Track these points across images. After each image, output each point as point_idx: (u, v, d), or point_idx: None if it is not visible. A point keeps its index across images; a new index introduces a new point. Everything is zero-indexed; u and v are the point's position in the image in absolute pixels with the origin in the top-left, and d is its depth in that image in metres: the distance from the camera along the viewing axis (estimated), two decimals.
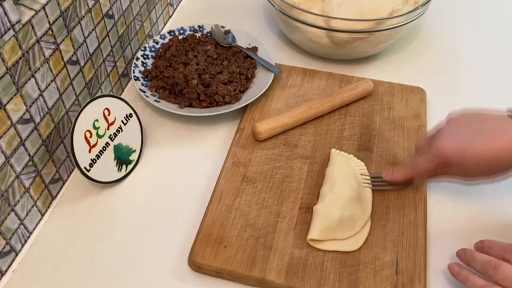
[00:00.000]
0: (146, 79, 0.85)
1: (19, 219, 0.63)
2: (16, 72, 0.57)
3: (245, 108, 0.81)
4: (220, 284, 0.62)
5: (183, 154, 0.77)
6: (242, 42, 0.92)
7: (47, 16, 0.60)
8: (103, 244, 0.66)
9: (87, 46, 0.71)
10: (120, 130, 0.73)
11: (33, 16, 0.58)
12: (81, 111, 0.66)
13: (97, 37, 0.74)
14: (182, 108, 0.79)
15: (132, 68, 0.84)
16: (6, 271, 0.62)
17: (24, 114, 0.60)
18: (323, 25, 0.85)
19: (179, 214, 0.69)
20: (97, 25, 0.73)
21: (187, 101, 0.80)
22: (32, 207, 0.65)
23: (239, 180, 0.71)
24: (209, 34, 0.94)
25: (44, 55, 0.62)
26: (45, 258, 0.64)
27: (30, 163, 0.63)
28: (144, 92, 0.81)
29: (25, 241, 0.65)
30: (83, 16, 0.69)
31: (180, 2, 1.08)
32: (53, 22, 0.62)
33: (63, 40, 0.65)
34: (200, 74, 0.83)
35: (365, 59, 0.93)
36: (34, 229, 0.67)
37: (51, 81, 0.64)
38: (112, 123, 0.71)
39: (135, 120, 0.75)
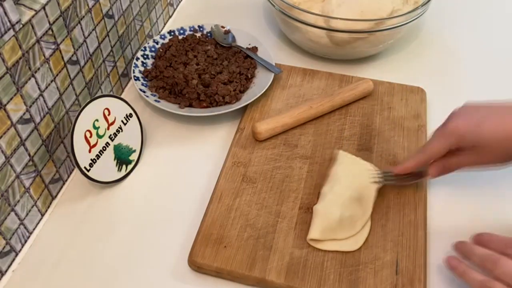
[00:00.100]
0: (146, 79, 0.85)
1: (19, 219, 0.63)
2: (16, 72, 0.57)
3: (245, 108, 0.81)
4: (220, 284, 0.62)
5: (183, 154, 0.77)
6: (242, 42, 0.92)
7: (47, 16, 0.60)
8: (103, 244, 0.66)
9: (87, 46, 0.71)
10: (120, 130, 0.73)
11: (33, 16, 0.58)
12: (81, 111, 0.66)
13: (97, 37, 0.74)
14: (182, 108, 0.79)
15: (132, 68, 0.84)
16: (6, 271, 0.62)
17: (24, 114, 0.60)
18: (323, 25, 0.85)
19: (179, 214, 0.69)
20: (97, 25, 0.73)
21: (187, 101, 0.80)
22: (32, 207, 0.65)
23: (239, 180, 0.71)
24: (209, 34, 0.94)
25: (44, 55, 0.62)
26: (45, 258, 0.64)
27: (30, 163, 0.63)
28: (144, 92, 0.81)
29: (25, 241, 0.65)
30: (83, 16, 0.69)
31: (180, 2, 1.08)
32: (53, 22, 0.62)
33: (63, 40, 0.65)
34: (200, 74, 0.83)
35: (365, 59, 0.93)
36: (34, 229, 0.67)
37: (51, 81, 0.64)
38: (112, 123, 0.71)
39: (135, 120, 0.75)
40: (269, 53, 0.88)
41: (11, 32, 0.55)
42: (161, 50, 0.89)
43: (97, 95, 0.76)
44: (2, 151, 0.57)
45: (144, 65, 0.87)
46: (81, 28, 0.69)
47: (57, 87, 0.66)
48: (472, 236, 0.59)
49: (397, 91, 0.84)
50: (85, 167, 0.67)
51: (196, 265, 0.62)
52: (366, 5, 0.86)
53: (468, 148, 0.61)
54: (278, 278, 0.60)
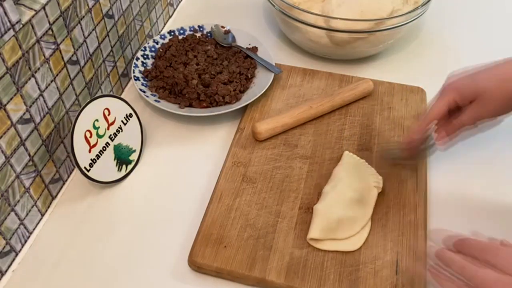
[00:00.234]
0: (146, 79, 0.85)
1: (19, 219, 0.63)
2: (16, 72, 0.57)
3: (245, 108, 0.81)
4: (220, 284, 0.62)
5: (183, 154, 0.77)
6: (242, 42, 0.92)
7: (47, 16, 0.60)
8: (103, 244, 0.66)
9: (87, 46, 0.71)
10: (120, 130, 0.73)
11: (33, 16, 0.58)
12: (81, 111, 0.66)
13: (97, 37, 0.74)
14: (182, 108, 0.79)
15: (132, 68, 0.84)
16: (6, 271, 0.62)
17: (24, 114, 0.60)
18: (323, 25, 0.85)
19: (179, 214, 0.69)
20: (97, 25, 0.73)
21: (187, 101, 0.80)
22: (32, 207, 0.65)
23: (239, 180, 0.71)
24: (209, 34, 0.94)
25: (44, 55, 0.62)
26: (45, 258, 0.64)
27: (30, 163, 0.63)
28: (144, 92, 0.81)
29: (25, 241, 0.65)
30: (83, 16, 0.69)
31: (180, 2, 1.08)
32: (53, 22, 0.62)
33: (63, 40, 0.65)
34: (200, 74, 0.83)
35: (365, 59, 0.93)
36: (34, 229, 0.67)
37: (51, 81, 0.64)
38: (112, 123, 0.71)
39: (135, 120, 0.75)
40: (269, 53, 0.88)
41: (11, 32, 0.55)
42: (161, 50, 0.89)
43: (97, 95, 0.76)
44: (2, 151, 0.57)
45: (144, 65, 0.87)
46: (81, 28, 0.69)
47: (57, 87, 0.66)
48: (454, 242, 0.55)
49: (397, 91, 0.84)
50: (85, 167, 0.67)
51: (196, 265, 0.62)
52: (366, 5, 0.86)
53: (467, 103, 0.63)
54: (278, 278, 0.60)
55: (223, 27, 0.94)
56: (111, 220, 0.69)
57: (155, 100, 0.80)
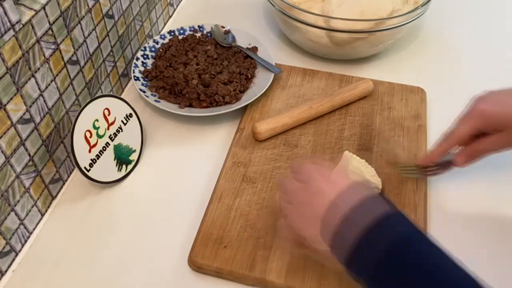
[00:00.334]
0: (146, 79, 0.85)
1: (19, 219, 0.63)
2: (16, 72, 0.57)
3: (245, 108, 0.81)
4: (220, 284, 0.62)
5: (183, 154, 0.77)
6: (242, 42, 0.92)
7: (47, 16, 0.60)
8: (103, 244, 0.66)
9: (87, 46, 0.71)
10: (120, 130, 0.73)
11: (33, 16, 0.58)
12: (81, 111, 0.66)
13: (97, 37, 0.74)
14: (182, 108, 0.79)
15: (132, 68, 0.84)
16: (6, 271, 0.62)
17: (24, 114, 0.60)
18: (323, 25, 0.85)
19: (179, 214, 0.69)
20: (97, 25, 0.73)
21: (187, 101, 0.80)
22: (32, 207, 0.65)
23: (239, 180, 0.71)
24: (209, 34, 0.94)
25: (44, 55, 0.62)
26: (45, 258, 0.64)
27: (30, 163, 0.63)
28: (144, 92, 0.81)
29: (25, 241, 0.65)
30: (83, 16, 0.69)
31: (180, 2, 1.08)
32: (53, 22, 0.62)
33: (63, 40, 0.65)
34: (200, 74, 0.83)
35: (365, 59, 0.93)
36: (34, 229, 0.67)
37: (51, 81, 0.64)
38: (112, 123, 0.71)
39: (135, 120, 0.75)
40: (269, 53, 0.88)
41: (11, 32, 0.55)
42: (161, 50, 0.89)
43: (97, 95, 0.76)
44: (2, 151, 0.57)
45: (144, 65, 0.87)
46: (81, 28, 0.69)
47: (57, 87, 0.66)
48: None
49: (397, 91, 0.84)
50: (85, 167, 0.67)
51: (196, 265, 0.62)
52: (366, 5, 0.86)
53: (494, 131, 0.60)
54: (278, 278, 0.60)
55: (223, 27, 0.94)
56: (111, 220, 0.69)
57: (155, 100, 0.80)
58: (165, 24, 1.01)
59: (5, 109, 0.56)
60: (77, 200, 0.71)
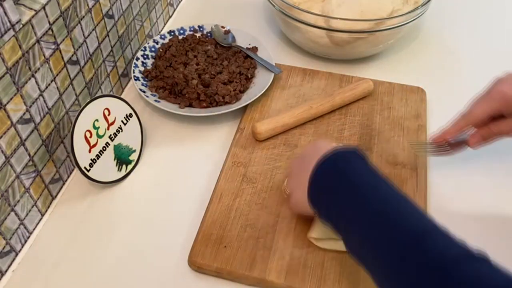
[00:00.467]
0: (146, 79, 0.85)
1: (19, 219, 0.63)
2: (16, 72, 0.57)
3: (245, 108, 0.81)
4: (220, 284, 0.62)
5: (183, 154, 0.77)
6: (242, 42, 0.92)
7: (47, 16, 0.60)
8: (103, 244, 0.66)
9: (87, 46, 0.71)
10: (120, 130, 0.73)
11: (33, 16, 0.58)
12: (81, 111, 0.66)
13: (97, 37, 0.74)
14: (182, 108, 0.79)
15: (132, 68, 0.84)
16: (6, 271, 0.62)
17: (24, 114, 0.60)
18: (323, 25, 0.85)
19: (179, 214, 0.69)
20: (97, 25, 0.73)
21: (187, 101, 0.80)
22: (32, 207, 0.65)
23: (239, 180, 0.71)
24: (209, 34, 0.94)
25: (44, 55, 0.62)
26: (45, 258, 0.64)
27: (30, 163, 0.63)
28: (144, 92, 0.81)
29: (25, 241, 0.65)
30: (83, 16, 0.69)
31: (180, 2, 1.08)
32: (53, 22, 0.62)
33: (63, 40, 0.65)
34: (200, 74, 0.83)
35: (365, 59, 0.93)
36: (34, 229, 0.67)
37: (51, 81, 0.64)
38: (112, 123, 0.71)
39: (135, 120, 0.75)
40: (269, 53, 0.88)
41: (11, 32, 0.55)
42: (161, 50, 0.89)
43: (97, 95, 0.76)
44: (2, 151, 0.57)
45: (144, 65, 0.87)
46: (81, 28, 0.69)
47: (57, 87, 0.66)
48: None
49: (397, 91, 0.84)
50: (85, 167, 0.67)
51: (196, 265, 0.62)
52: (366, 5, 0.86)
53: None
54: (278, 278, 0.60)
55: (223, 27, 0.94)
56: (111, 220, 0.69)
57: (155, 100, 0.80)
58: (165, 24, 1.01)
59: (5, 109, 0.56)
60: (77, 200, 0.71)
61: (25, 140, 0.61)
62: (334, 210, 0.53)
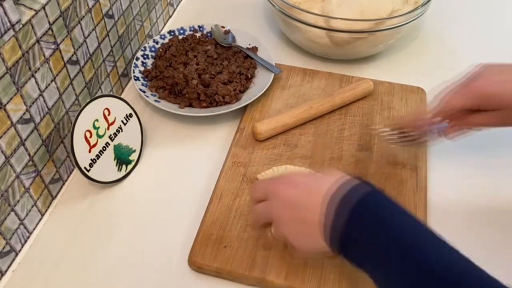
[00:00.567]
0: (146, 79, 0.85)
1: (19, 219, 0.63)
2: (16, 72, 0.57)
3: (245, 108, 0.81)
4: (220, 284, 0.62)
5: (183, 154, 0.77)
6: (242, 42, 0.92)
7: (47, 16, 0.60)
8: (103, 244, 0.66)
9: (87, 46, 0.71)
10: (120, 130, 0.73)
11: (33, 16, 0.58)
12: (81, 111, 0.66)
13: (97, 37, 0.74)
14: (182, 108, 0.79)
15: (132, 68, 0.84)
16: (6, 271, 0.62)
17: (24, 114, 0.60)
18: (323, 25, 0.85)
19: (179, 214, 0.69)
20: (97, 25, 0.73)
21: (187, 101, 0.80)
22: (32, 207, 0.65)
23: (239, 180, 0.71)
24: (209, 34, 0.94)
25: (44, 55, 0.62)
26: (45, 258, 0.64)
27: (30, 163, 0.63)
28: (144, 92, 0.81)
29: (25, 241, 0.65)
30: (83, 16, 0.69)
31: (180, 2, 1.08)
32: (53, 22, 0.62)
33: (63, 40, 0.65)
34: (200, 74, 0.83)
35: (365, 59, 0.93)
36: (34, 229, 0.67)
37: (51, 81, 0.64)
38: (112, 123, 0.71)
39: (135, 120, 0.75)
40: (269, 53, 0.88)
41: (11, 32, 0.55)
42: (161, 50, 0.89)
43: (97, 95, 0.76)
44: (2, 151, 0.57)
45: (144, 65, 0.87)
46: (81, 28, 0.69)
47: (57, 87, 0.66)
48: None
49: (397, 91, 0.84)
50: (85, 167, 0.67)
51: (196, 265, 0.62)
52: (366, 5, 0.86)
53: (491, 109, 0.59)
54: (278, 278, 0.60)
55: (223, 27, 0.94)
56: (111, 220, 0.69)
57: (155, 100, 0.80)
58: (165, 24, 1.01)
59: (5, 109, 0.56)
60: (77, 200, 0.71)
61: (25, 140, 0.61)
62: (370, 255, 0.48)
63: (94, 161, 0.68)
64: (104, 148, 0.70)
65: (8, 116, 0.57)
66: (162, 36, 0.92)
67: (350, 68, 0.91)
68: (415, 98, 0.83)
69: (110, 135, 0.71)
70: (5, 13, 0.53)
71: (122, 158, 0.73)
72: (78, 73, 0.70)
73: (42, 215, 0.68)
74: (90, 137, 0.68)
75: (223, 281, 0.62)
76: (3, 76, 0.55)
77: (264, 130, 0.75)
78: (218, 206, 0.67)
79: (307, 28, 0.86)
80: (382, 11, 0.86)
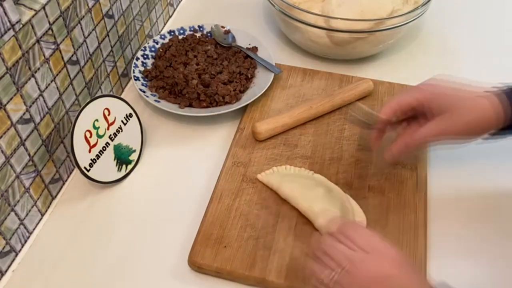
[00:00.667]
0: (146, 79, 0.85)
1: (19, 219, 0.63)
2: (16, 72, 0.57)
3: (245, 108, 0.81)
4: (220, 284, 0.62)
5: (183, 154, 0.77)
6: (242, 42, 0.92)
7: (47, 16, 0.60)
8: (103, 244, 0.66)
9: (87, 46, 0.71)
10: (120, 130, 0.73)
11: (33, 16, 0.58)
12: (81, 111, 0.66)
13: (97, 37, 0.74)
14: (182, 108, 0.79)
15: (132, 68, 0.84)
16: (6, 271, 0.62)
17: (24, 114, 0.60)
18: (323, 25, 0.85)
19: (179, 214, 0.69)
20: (97, 25, 0.73)
21: (187, 101, 0.80)
22: (32, 207, 0.65)
23: (239, 180, 0.71)
24: (209, 34, 0.94)
25: (44, 55, 0.62)
26: (45, 258, 0.64)
27: (30, 163, 0.63)
28: (144, 92, 0.81)
29: (25, 241, 0.65)
30: (83, 16, 0.69)
31: (180, 2, 1.08)
32: (53, 22, 0.62)
33: (63, 40, 0.65)
34: (200, 74, 0.83)
35: (365, 59, 0.93)
36: (34, 229, 0.67)
37: (51, 81, 0.64)
38: (112, 123, 0.71)
39: (135, 120, 0.75)
40: (269, 53, 0.88)
41: (11, 32, 0.55)
42: (161, 50, 0.89)
43: (97, 95, 0.76)
44: (2, 151, 0.57)
45: (144, 65, 0.87)
46: (81, 28, 0.69)
47: (57, 87, 0.66)
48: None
49: (397, 91, 0.84)
50: (85, 167, 0.67)
51: (196, 265, 0.62)
52: (366, 5, 0.86)
53: (437, 113, 0.60)
54: (278, 278, 0.60)
55: (223, 27, 0.94)
56: (111, 220, 0.69)
57: (155, 100, 0.80)
58: (165, 24, 1.01)
59: (5, 109, 0.56)
60: (77, 200, 0.71)
61: (25, 140, 0.61)
62: None
63: (94, 161, 0.68)
64: (104, 148, 0.70)
65: (8, 116, 0.57)
66: (162, 36, 0.92)
67: (350, 68, 0.91)
68: None
69: (110, 135, 0.71)
70: (5, 13, 0.53)
71: (122, 158, 0.73)
72: (78, 73, 0.70)
73: (42, 215, 0.68)
74: (90, 137, 0.68)
75: (223, 281, 0.62)
76: (3, 76, 0.55)
77: (264, 130, 0.75)
78: (218, 206, 0.67)
79: (307, 28, 0.86)
80: (382, 11, 0.86)
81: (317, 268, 0.51)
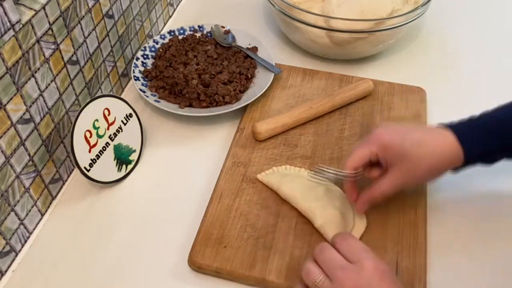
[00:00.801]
0: (146, 79, 0.85)
1: (19, 219, 0.63)
2: (16, 72, 0.57)
3: (245, 108, 0.81)
4: (220, 284, 0.62)
5: (183, 154, 0.77)
6: (242, 42, 0.92)
7: (47, 16, 0.60)
8: (103, 244, 0.66)
9: (87, 46, 0.71)
10: (120, 130, 0.73)
11: (33, 16, 0.58)
12: (81, 111, 0.66)
13: (97, 37, 0.74)
14: (182, 108, 0.79)
15: (132, 68, 0.84)
16: (6, 271, 0.62)
17: (24, 114, 0.60)
18: (323, 25, 0.85)
19: (179, 214, 0.69)
20: (97, 25, 0.73)
21: (187, 101, 0.80)
22: (32, 207, 0.65)
23: (239, 180, 0.71)
24: (209, 34, 0.94)
25: (44, 55, 0.62)
26: (45, 258, 0.64)
27: (30, 163, 0.63)
28: (144, 92, 0.81)
29: (25, 241, 0.65)
30: (83, 16, 0.69)
31: (180, 2, 1.08)
32: (53, 22, 0.62)
33: (63, 40, 0.65)
34: (200, 74, 0.83)
35: (365, 59, 0.93)
36: (34, 229, 0.67)
37: (51, 81, 0.64)
38: (112, 123, 0.71)
39: (135, 120, 0.75)
40: (269, 53, 0.88)
41: (11, 32, 0.55)
42: (161, 50, 0.89)
43: (97, 95, 0.76)
44: (2, 151, 0.57)
45: (144, 65, 0.87)
46: (81, 28, 0.69)
47: (57, 87, 0.66)
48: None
49: (397, 91, 0.84)
50: (85, 167, 0.67)
51: (196, 265, 0.62)
52: (366, 5, 0.86)
53: (390, 164, 0.60)
54: (278, 278, 0.60)
55: (223, 27, 0.94)
56: (111, 220, 0.69)
57: (155, 100, 0.80)
58: (165, 24, 1.01)
59: (5, 109, 0.56)
60: (77, 200, 0.71)
61: (25, 140, 0.61)
62: None
63: (94, 161, 0.68)
64: (104, 148, 0.70)
65: (8, 116, 0.57)
66: (162, 36, 0.92)
67: (350, 68, 0.91)
68: (415, 98, 0.83)
69: (110, 135, 0.71)
70: (5, 13, 0.53)
71: (122, 158, 0.73)
72: (78, 73, 0.70)
73: (42, 215, 0.68)
74: (90, 137, 0.68)
75: (223, 281, 0.62)
76: (3, 76, 0.55)
77: (264, 130, 0.75)
78: (218, 206, 0.67)
79: (307, 28, 0.86)
80: (382, 11, 0.86)
81: (307, 270, 0.53)
